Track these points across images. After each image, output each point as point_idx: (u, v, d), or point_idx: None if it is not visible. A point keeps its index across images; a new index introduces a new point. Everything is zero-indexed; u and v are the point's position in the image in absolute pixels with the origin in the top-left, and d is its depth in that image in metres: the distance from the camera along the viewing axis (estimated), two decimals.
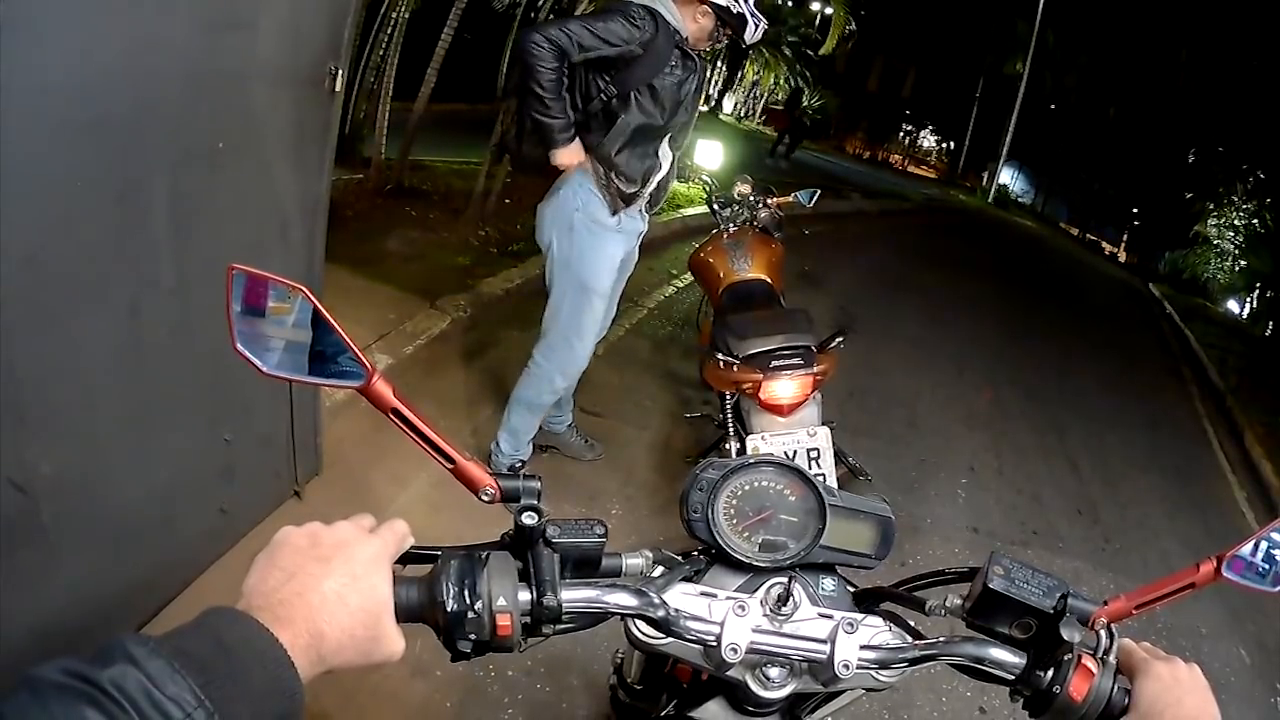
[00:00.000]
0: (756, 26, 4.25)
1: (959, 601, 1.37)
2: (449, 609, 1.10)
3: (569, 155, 4.16)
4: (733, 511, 1.42)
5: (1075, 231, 44.01)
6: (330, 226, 3.97)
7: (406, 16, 9.39)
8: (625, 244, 4.48)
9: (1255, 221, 28.25)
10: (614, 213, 4.30)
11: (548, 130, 4.09)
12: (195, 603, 3.44)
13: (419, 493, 4.41)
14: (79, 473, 2.75)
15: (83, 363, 2.66)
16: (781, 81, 36.10)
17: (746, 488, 1.43)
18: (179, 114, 2.74)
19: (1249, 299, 29.12)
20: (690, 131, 4.65)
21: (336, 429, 4.55)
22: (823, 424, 4.33)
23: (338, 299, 5.40)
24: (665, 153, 4.42)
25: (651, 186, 4.40)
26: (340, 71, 3.56)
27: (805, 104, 30.21)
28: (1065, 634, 1.23)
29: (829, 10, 25.65)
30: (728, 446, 4.50)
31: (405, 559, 1.17)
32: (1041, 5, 36.73)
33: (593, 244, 4.34)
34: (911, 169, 45.48)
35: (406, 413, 1.19)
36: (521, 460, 4.80)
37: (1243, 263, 28.98)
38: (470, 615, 1.10)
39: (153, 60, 2.56)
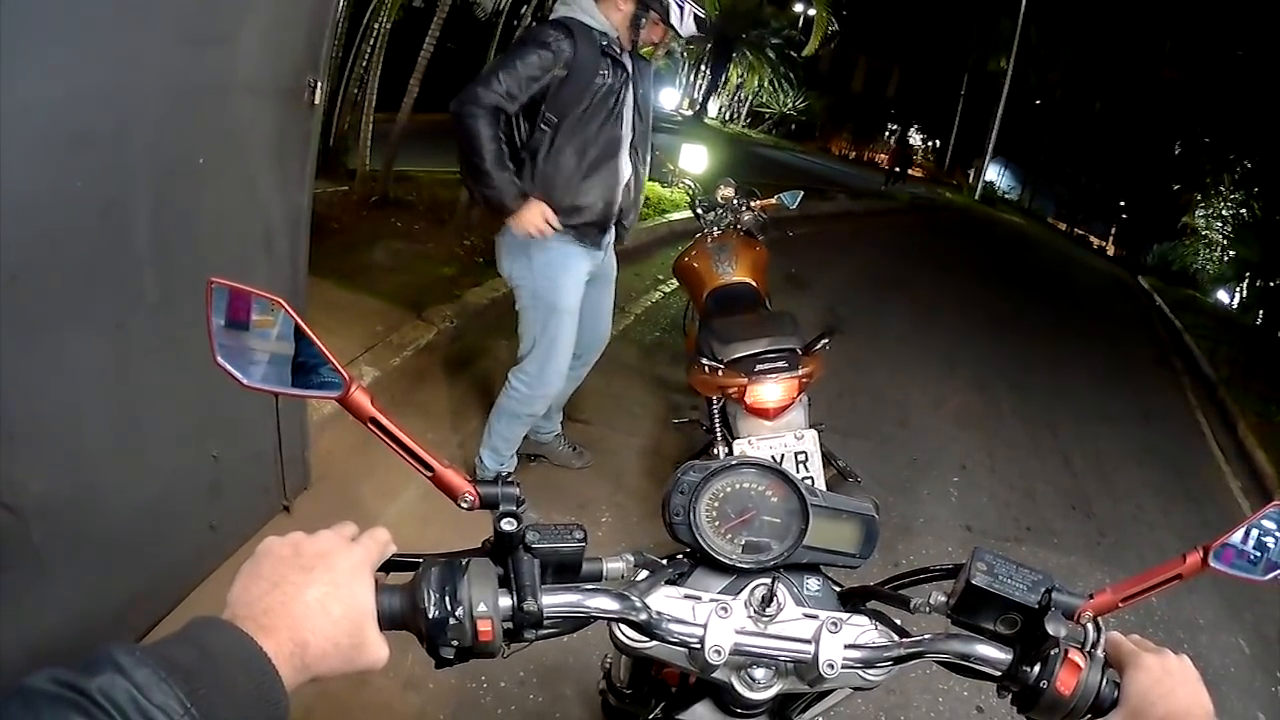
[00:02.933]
0: (683, 11, 4.15)
1: (944, 599, 1.37)
2: (431, 616, 1.10)
3: (527, 217, 4.10)
4: (715, 514, 1.42)
5: (1063, 226, 44.15)
6: (315, 239, 3.97)
7: (388, 27, 9.40)
8: (590, 259, 4.44)
9: (1243, 211, 28.30)
10: (589, 238, 4.33)
11: (498, 202, 4.06)
12: (186, 619, 3.41)
13: (408, 505, 4.40)
14: (68, 491, 2.74)
15: (69, 380, 2.65)
16: (765, 84, 36.18)
17: (728, 490, 1.43)
18: (160, 129, 2.74)
19: (1239, 288, 29.21)
20: (649, 139, 4.58)
21: (325, 442, 4.55)
22: (811, 426, 4.32)
23: (324, 312, 5.41)
24: (625, 167, 4.35)
25: (615, 208, 4.37)
26: (320, 84, 3.56)
27: (912, 144, 31.99)
28: (1050, 629, 1.23)
29: (811, 11, 25.70)
30: (716, 451, 4.47)
31: (387, 566, 1.18)
32: (1024, 2, 36.84)
33: (554, 264, 4.30)
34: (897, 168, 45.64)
35: (385, 422, 1.20)
36: (506, 471, 4.72)
37: (1231, 253, 29.05)
38: (452, 622, 1.10)
39: (133, 76, 2.56)
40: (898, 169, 31.30)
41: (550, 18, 4.13)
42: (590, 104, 4.06)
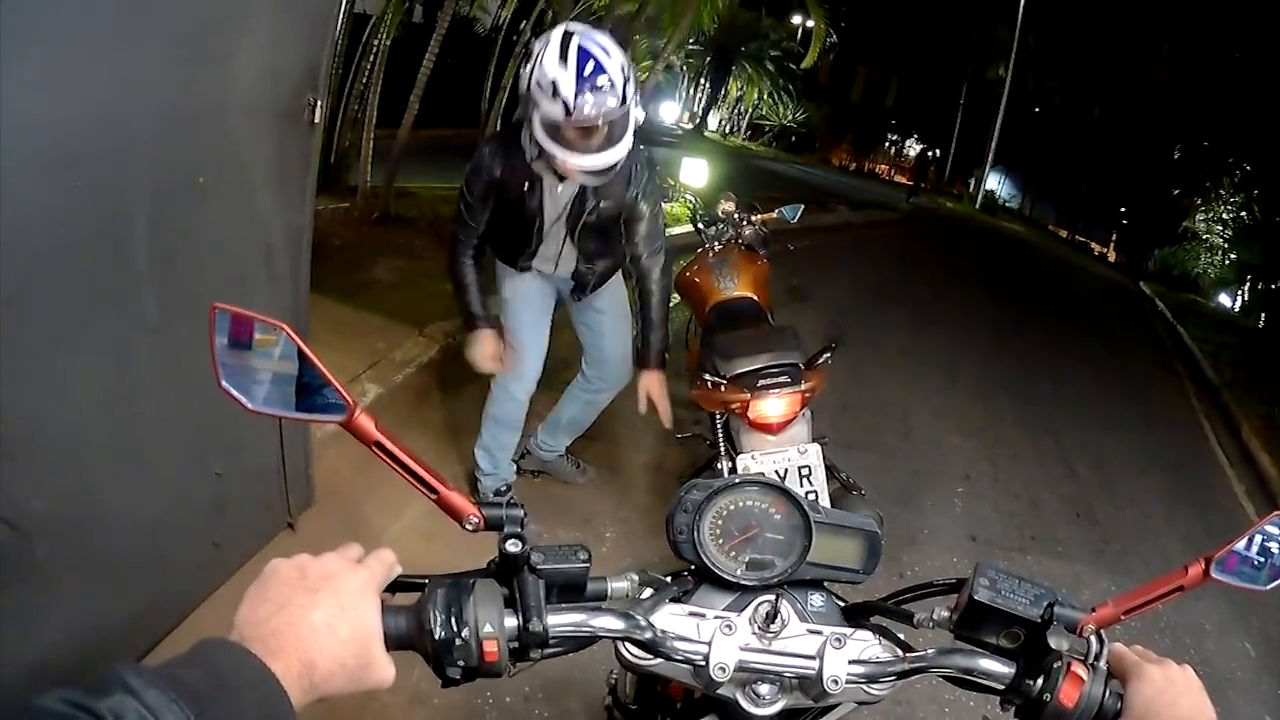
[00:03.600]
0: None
1: (946, 614, 1.38)
2: (437, 636, 1.11)
3: (483, 343, 4.42)
4: (719, 531, 1.43)
5: (1064, 233, 44.07)
6: (317, 256, 3.98)
7: (388, 44, 9.43)
8: (549, 292, 4.65)
9: (1244, 214, 28.27)
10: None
11: (462, 312, 4.43)
12: (191, 637, 3.38)
13: (412, 522, 4.40)
14: (71, 509, 2.75)
15: (71, 400, 2.66)
16: (765, 96, 36.18)
17: (731, 507, 1.43)
18: (158, 149, 2.75)
19: (1240, 291, 29.16)
20: (588, 239, 4.38)
21: (328, 460, 4.54)
22: (814, 440, 4.31)
23: (326, 329, 5.40)
24: (550, 252, 4.40)
25: (542, 268, 4.45)
26: (319, 102, 3.57)
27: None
28: (1053, 642, 1.24)
29: (810, 23, 25.73)
30: (720, 466, 4.45)
31: (393, 587, 1.18)
32: (1022, 9, 36.88)
33: (508, 286, 4.53)
34: (899, 179, 45.53)
35: (389, 445, 1.20)
36: (506, 484, 4.80)
37: (1232, 256, 29.01)
38: (458, 642, 1.11)
39: (130, 96, 2.58)
40: (920, 185, 31.83)
41: (502, 129, 4.21)
42: (511, 204, 4.13)
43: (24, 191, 2.26)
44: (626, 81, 3.57)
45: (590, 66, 3.48)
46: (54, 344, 2.53)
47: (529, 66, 3.60)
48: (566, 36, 3.50)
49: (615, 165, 3.77)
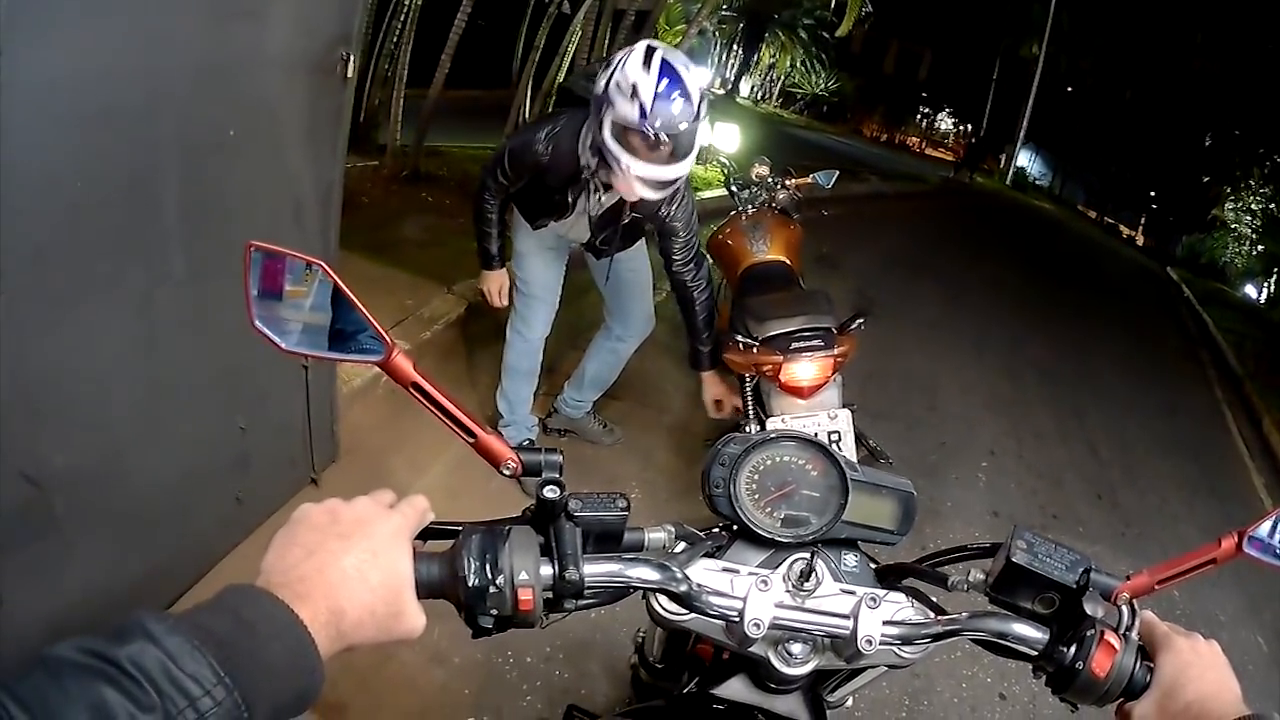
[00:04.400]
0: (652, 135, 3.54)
1: (981, 577, 1.37)
2: (470, 584, 1.10)
3: (493, 280, 4.65)
4: (755, 487, 1.41)
5: (1093, 214, 43.85)
6: (346, 213, 3.98)
7: (419, 3, 9.39)
8: (565, 250, 4.70)
9: (1272, 206, 28.11)
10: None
11: (479, 253, 4.56)
12: (211, 591, 3.42)
13: (437, 478, 4.41)
14: (92, 464, 2.75)
15: (95, 354, 2.66)
16: (797, 64, 36.02)
17: (768, 463, 1.42)
18: (189, 103, 2.74)
19: (1266, 283, 28.98)
20: (625, 247, 4.59)
21: (353, 416, 4.56)
22: (843, 406, 4.30)
23: (354, 285, 5.28)
24: (579, 231, 4.45)
25: (566, 226, 4.42)
26: (352, 58, 3.55)
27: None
28: (1088, 609, 1.23)
29: None
30: (749, 429, 4.41)
31: (425, 535, 1.18)
32: None
33: (524, 242, 4.56)
34: (929, 151, 45.34)
35: (427, 387, 1.19)
36: (529, 439, 4.85)
37: (1260, 247, 28.85)
38: (492, 590, 1.10)
39: (162, 50, 2.56)
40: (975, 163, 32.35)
41: (567, 113, 3.98)
42: (548, 185, 4.10)
43: (55, 145, 2.27)
44: (702, 100, 3.55)
45: (671, 76, 3.47)
46: (81, 298, 2.53)
47: (608, 72, 3.57)
48: (650, 50, 3.50)
49: (677, 181, 3.74)
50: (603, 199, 4.08)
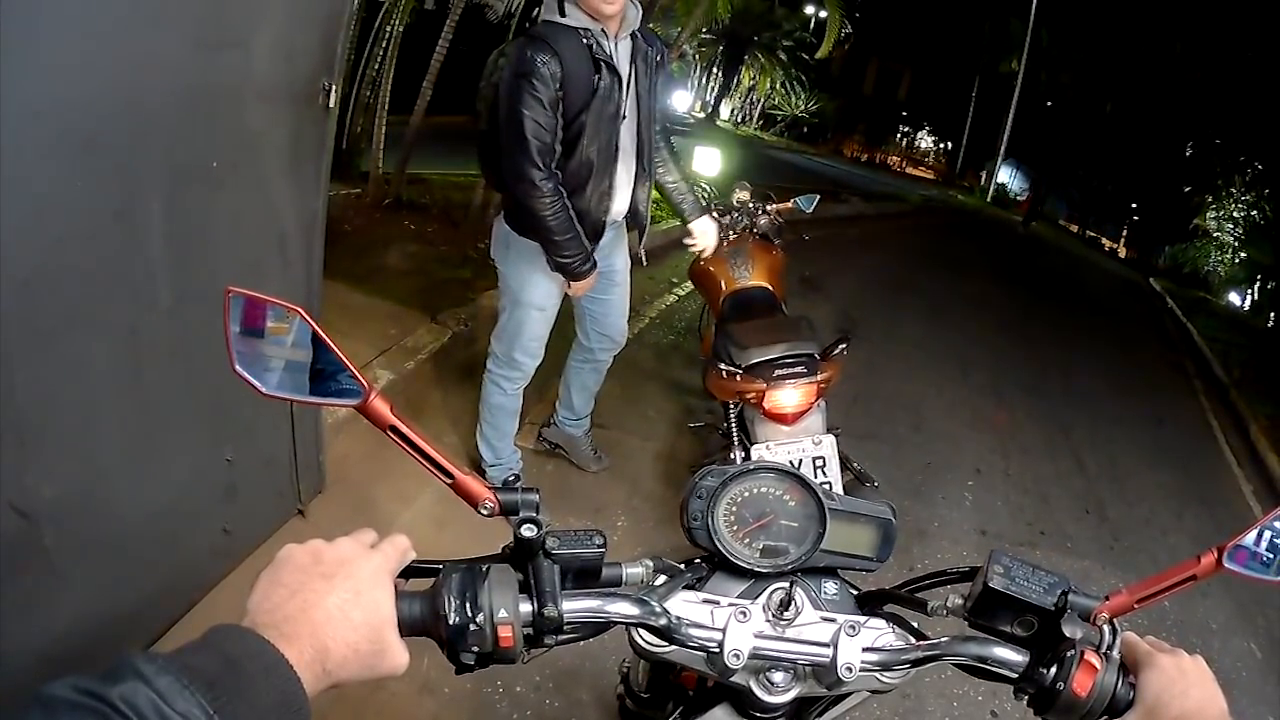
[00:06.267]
0: None
1: (960, 601, 1.38)
2: (451, 622, 1.11)
3: (586, 285, 4.29)
4: (733, 518, 1.43)
5: (1074, 228, 43.94)
6: (329, 242, 3.98)
7: (401, 30, 9.41)
8: (561, 285, 4.44)
9: (1254, 213, 28.16)
10: None
11: (568, 267, 4.12)
12: (201, 623, 3.39)
13: (423, 509, 4.41)
14: (81, 495, 2.75)
15: (82, 385, 2.66)
16: (778, 86, 36.15)
17: (746, 494, 1.44)
18: (173, 133, 2.75)
19: (1250, 291, 29.08)
20: (652, 140, 4.38)
21: (339, 446, 4.56)
22: (828, 431, 4.32)
23: (338, 315, 5.41)
24: (623, 174, 4.26)
25: (606, 216, 4.28)
26: (334, 87, 3.55)
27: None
28: (1067, 630, 1.25)
29: (824, 14, 25.65)
30: (733, 456, 4.44)
31: (407, 573, 1.19)
32: (1035, 3, 36.81)
33: (527, 259, 4.27)
34: (910, 170, 45.45)
35: (404, 429, 1.21)
36: (514, 474, 4.80)
37: (1243, 255, 28.92)
38: (472, 628, 1.12)
39: (146, 79, 2.57)
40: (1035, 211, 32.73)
41: (529, 31, 3.95)
42: (584, 118, 3.94)
43: (40, 174, 2.27)
44: None
45: None
46: (67, 328, 2.54)
47: None
48: None
49: None
50: (619, 54, 4.01)
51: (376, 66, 9.58)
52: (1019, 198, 41.63)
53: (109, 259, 2.64)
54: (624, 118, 4.10)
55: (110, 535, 2.94)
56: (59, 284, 2.45)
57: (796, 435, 4.24)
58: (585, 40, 3.86)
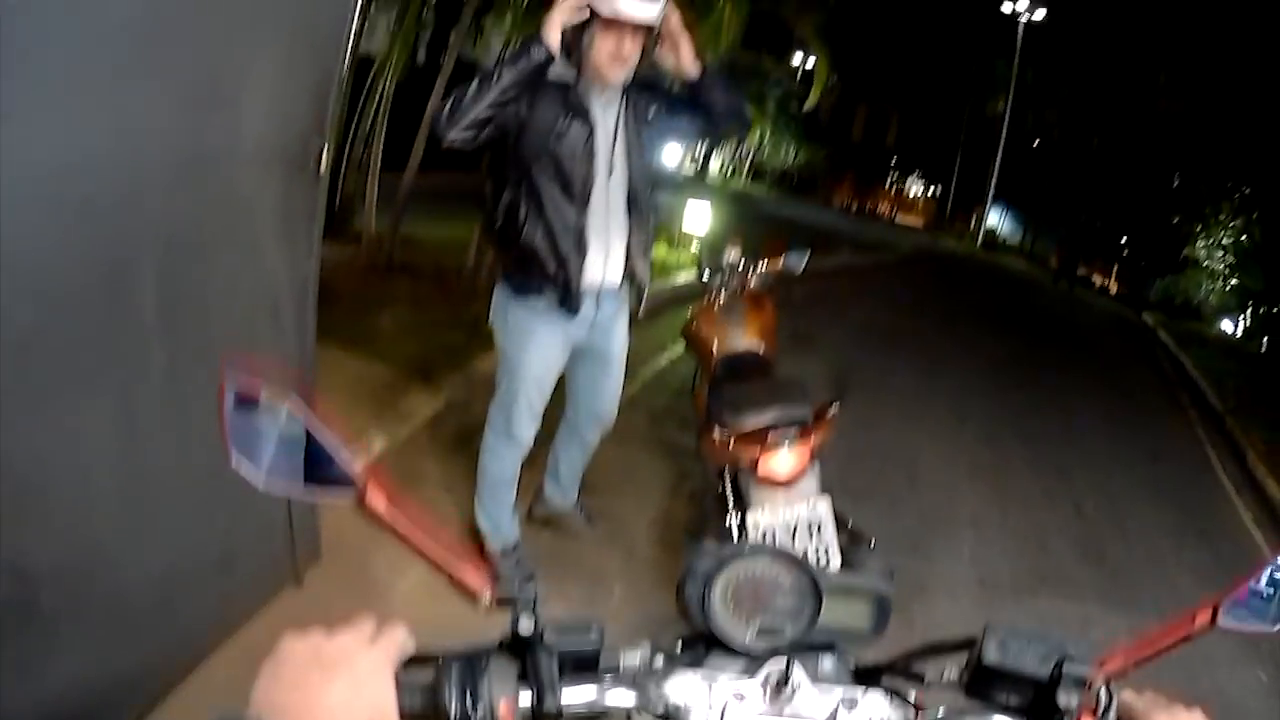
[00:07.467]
0: None
1: (957, 673, 1.38)
2: (453, 714, 1.12)
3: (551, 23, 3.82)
4: (729, 599, 1.43)
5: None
6: (322, 305, 3.99)
7: (392, 87, 9.47)
8: (563, 330, 4.29)
9: (1244, 238, 28.22)
10: (560, 304, 4.17)
11: (528, 62, 3.78)
12: (197, 691, 3.44)
13: (420, 579, 4.37)
14: (76, 561, 2.75)
15: (77, 449, 2.67)
16: (767, 138, 36.21)
17: (741, 576, 1.44)
18: (165, 196, 2.77)
19: (1241, 317, 29.08)
20: (647, 196, 4.27)
21: (336, 515, 4.53)
22: (822, 493, 4.32)
23: (332, 379, 5.42)
24: (615, 236, 4.19)
25: (579, 271, 4.11)
26: (326, 148, 3.58)
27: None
28: (1061, 702, 1.24)
29: (810, 64, 25.74)
30: (728, 522, 4.38)
31: (406, 664, 1.19)
32: (1020, 43, 37.15)
33: (520, 329, 4.23)
34: (901, 217, 45.65)
35: (400, 525, 1.21)
36: (513, 544, 4.69)
37: (1233, 281, 28.94)
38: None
39: (136, 142, 2.59)
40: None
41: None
42: (544, 159, 3.89)
43: (33, 239, 2.28)
44: None
45: None
46: (61, 393, 2.55)
47: None
48: None
49: (660, 9, 3.76)
50: (604, 108, 4.00)
51: (369, 123, 9.64)
52: (1008, 241, 41.74)
53: (103, 322, 2.66)
54: (611, 172, 4.06)
55: (107, 601, 2.93)
56: (53, 348, 2.47)
57: (791, 498, 4.20)
58: (562, 90, 3.89)
